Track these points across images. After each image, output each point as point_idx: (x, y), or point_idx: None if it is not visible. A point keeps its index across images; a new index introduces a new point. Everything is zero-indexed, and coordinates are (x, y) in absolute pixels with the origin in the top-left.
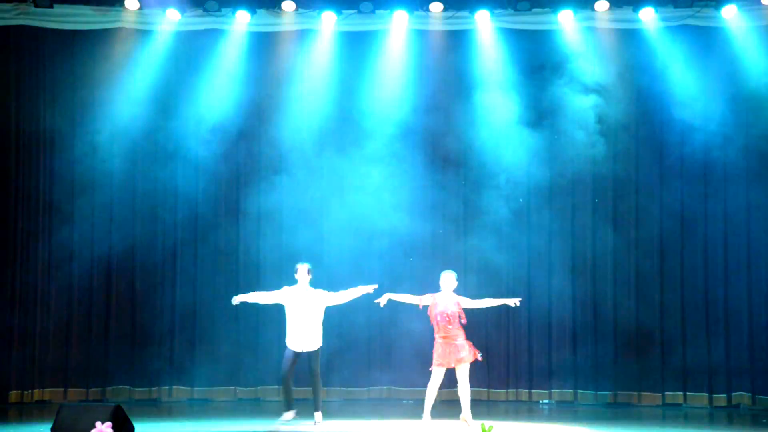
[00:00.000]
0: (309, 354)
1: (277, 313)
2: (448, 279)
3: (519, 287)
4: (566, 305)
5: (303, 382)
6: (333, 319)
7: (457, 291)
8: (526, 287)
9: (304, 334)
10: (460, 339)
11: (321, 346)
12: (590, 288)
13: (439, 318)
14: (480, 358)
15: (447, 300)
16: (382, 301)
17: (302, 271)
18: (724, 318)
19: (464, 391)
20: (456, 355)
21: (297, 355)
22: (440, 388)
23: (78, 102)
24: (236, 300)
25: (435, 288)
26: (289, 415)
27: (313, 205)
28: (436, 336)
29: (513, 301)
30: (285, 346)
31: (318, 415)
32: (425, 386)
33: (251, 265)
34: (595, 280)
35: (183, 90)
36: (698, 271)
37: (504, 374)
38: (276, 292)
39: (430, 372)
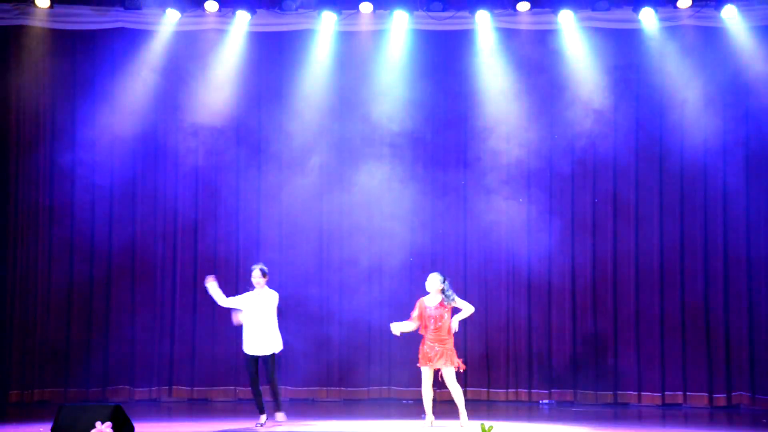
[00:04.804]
0: None
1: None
2: (431, 281)
3: (519, 287)
4: (566, 305)
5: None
6: (333, 318)
7: (456, 292)
8: (527, 287)
9: None
10: (445, 344)
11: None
12: (590, 288)
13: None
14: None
15: (433, 301)
16: (394, 330)
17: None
18: (724, 318)
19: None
20: (436, 359)
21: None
22: (438, 389)
23: (78, 102)
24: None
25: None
26: None
27: (312, 206)
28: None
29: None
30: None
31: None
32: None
33: (251, 265)
34: (595, 281)
35: (183, 90)
36: (698, 271)
37: (504, 374)
38: None
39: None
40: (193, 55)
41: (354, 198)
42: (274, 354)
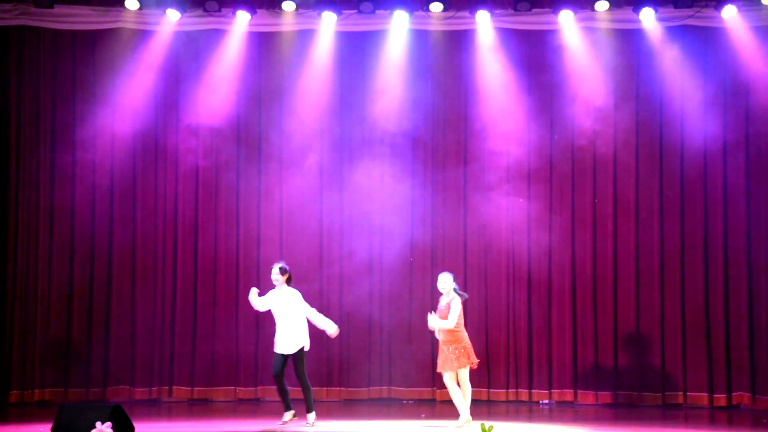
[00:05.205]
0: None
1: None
2: (444, 280)
3: (519, 287)
4: (566, 305)
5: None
6: (333, 318)
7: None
8: (527, 287)
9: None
10: (462, 341)
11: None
12: (591, 288)
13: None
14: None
15: (443, 302)
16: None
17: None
18: (724, 318)
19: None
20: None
21: None
22: (438, 388)
23: (78, 102)
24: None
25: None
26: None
27: (312, 206)
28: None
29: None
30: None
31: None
32: (425, 386)
33: (251, 266)
34: (595, 280)
35: (183, 90)
36: (698, 270)
37: (504, 374)
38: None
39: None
40: (193, 55)
41: (353, 197)
42: (301, 351)
